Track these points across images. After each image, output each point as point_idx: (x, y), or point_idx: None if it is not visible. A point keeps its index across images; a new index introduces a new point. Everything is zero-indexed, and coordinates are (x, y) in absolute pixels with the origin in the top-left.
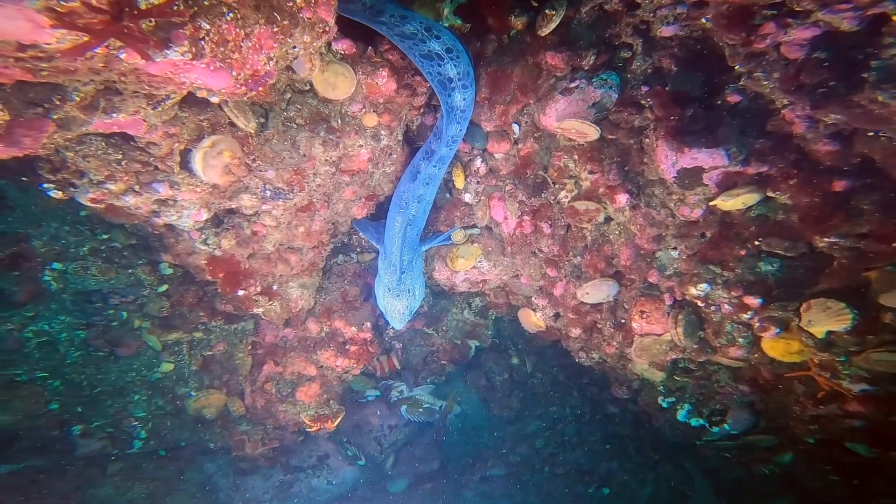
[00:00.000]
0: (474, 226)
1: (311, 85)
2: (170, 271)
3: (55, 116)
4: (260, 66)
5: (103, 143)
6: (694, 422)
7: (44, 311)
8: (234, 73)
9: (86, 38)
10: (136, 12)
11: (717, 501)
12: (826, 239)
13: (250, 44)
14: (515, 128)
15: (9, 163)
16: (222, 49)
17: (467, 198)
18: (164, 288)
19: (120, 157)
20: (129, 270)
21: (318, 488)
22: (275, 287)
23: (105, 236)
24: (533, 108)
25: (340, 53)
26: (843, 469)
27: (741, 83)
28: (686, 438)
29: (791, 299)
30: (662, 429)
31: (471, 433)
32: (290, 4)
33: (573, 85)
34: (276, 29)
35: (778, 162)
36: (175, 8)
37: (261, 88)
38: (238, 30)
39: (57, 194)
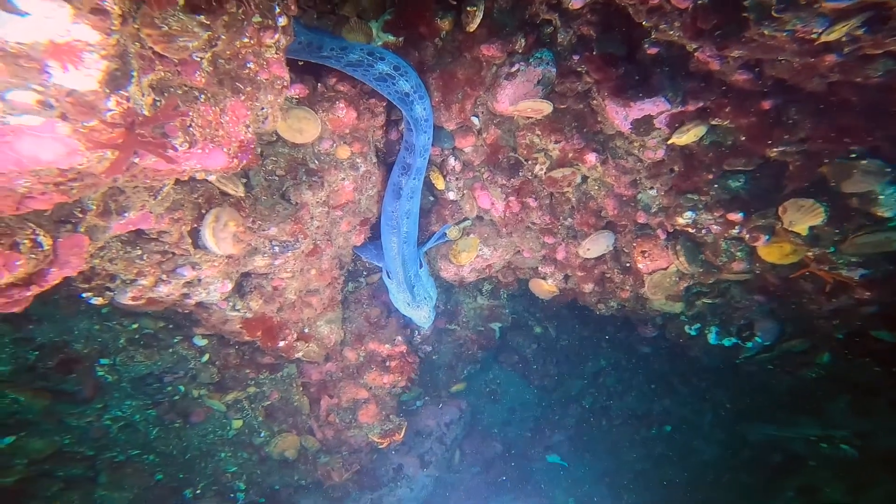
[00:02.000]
0: (466, 219)
1: (278, 134)
2: (204, 342)
3: (82, 229)
4: (243, 136)
5: (120, 244)
6: (726, 342)
7: (111, 401)
8: (225, 150)
9: (117, 154)
10: (143, 119)
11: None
12: (775, 149)
13: (228, 117)
14: (475, 120)
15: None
16: (209, 130)
17: (451, 195)
18: (206, 357)
19: (140, 252)
20: (170, 349)
21: (404, 498)
22: (306, 330)
23: (134, 326)
24: (485, 98)
25: (296, 98)
26: (880, 358)
27: (653, 36)
28: (725, 360)
29: (767, 207)
30: (699, 356)
31: (520, 410)
32: (247, 71)
33: (514, 69)
34: (243, 97)
35: (709, 96)
36: (177, 108)
37: (250, 156)
38: (214, 108)
39: (98, 301)
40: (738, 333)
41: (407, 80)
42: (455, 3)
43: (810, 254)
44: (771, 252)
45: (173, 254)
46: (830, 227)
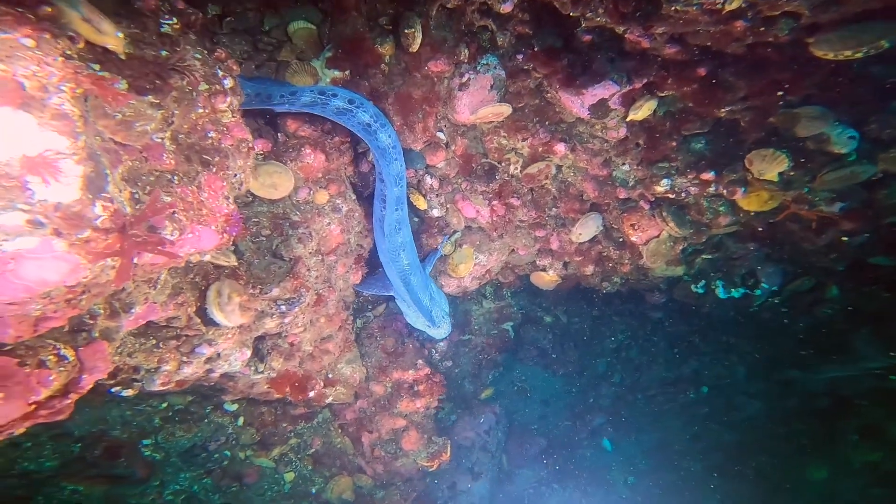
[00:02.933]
0: (455, 231)
1: (253, 194)
2: (235, 406)
3: (97, 334)
4: (226, 209)
5: (133, 338)
6: (735, 293)
7: (166, 477)
8: (213, 227)
9: (119, 261)
10: (132, 220)
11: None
12: (723, 109)
13: (206, 194)
14: (441, 135)
15: None
16: (193, 212)
17: (435, 213)
18: (241, 420)
19: (154, 341)
20: (205, 420)
21: None
22: (330, 375)
23: (164, 405)
24: (445, 112)
25: (261, 154)
26: (885, 283)
27: (584, 25)
28: (739, 311)
29: (734, 162)
30: (713, 312)
31: (553, 401)
32: (210, 141)
33: (465, 79)
34: (214, 169)
35: (650, 72)
36: (160, 203)
37: (238, 228)
38: (191, 187)
39: (129, 392)
40: (744, 283)
41: (365, 111)
42: (390, 27)
43: (787, 197)
44: (751, 202)
45: (187, 336)
46: (798, 171)
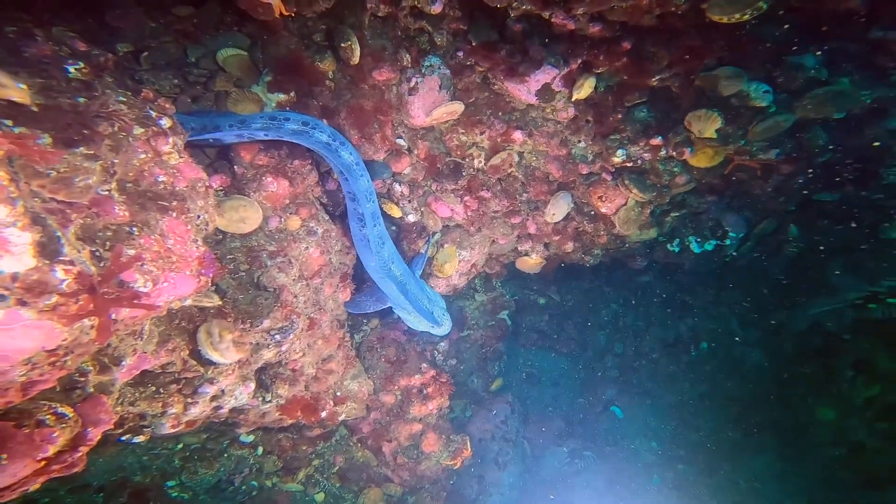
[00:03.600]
0: (434, 233)
1: (222, 231)
2: (251, 437)
3: (91, 390)
4: (196, 252)
5: (131, 388)
6: (708, 246)
7: None
8: (188, 272)
9: (96, 320)
10: (99, 278)
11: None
12: (654, 79)
13: (172, 240)
14: (401, 142)
15: None
16: (162, 261)
17: (411, 218)
18: (260, 450)
19: (154, 388)
20: (225, 454)
21: None
22: (338, 393)
23: (180, 446)
24: (400, 118)
25: (221, 190)
26: (833, 217)
27: (512, 14)
28: (716, 262)
29: (675, 125)
30: (694, 268)
31: (563, 381)
32: (163, 185)
33: (413, 83)
34: (175, 213)
35: (582, 52)
36: (124, 258)
37: (215, 268)
38: (153, 236)
39: (140, 439)
40: (714, 235)
41: (321, 131)
42: (326, 43)
43: (729, 150)
44: (699, 159)
45: (186, 378)
46: (731, 126)
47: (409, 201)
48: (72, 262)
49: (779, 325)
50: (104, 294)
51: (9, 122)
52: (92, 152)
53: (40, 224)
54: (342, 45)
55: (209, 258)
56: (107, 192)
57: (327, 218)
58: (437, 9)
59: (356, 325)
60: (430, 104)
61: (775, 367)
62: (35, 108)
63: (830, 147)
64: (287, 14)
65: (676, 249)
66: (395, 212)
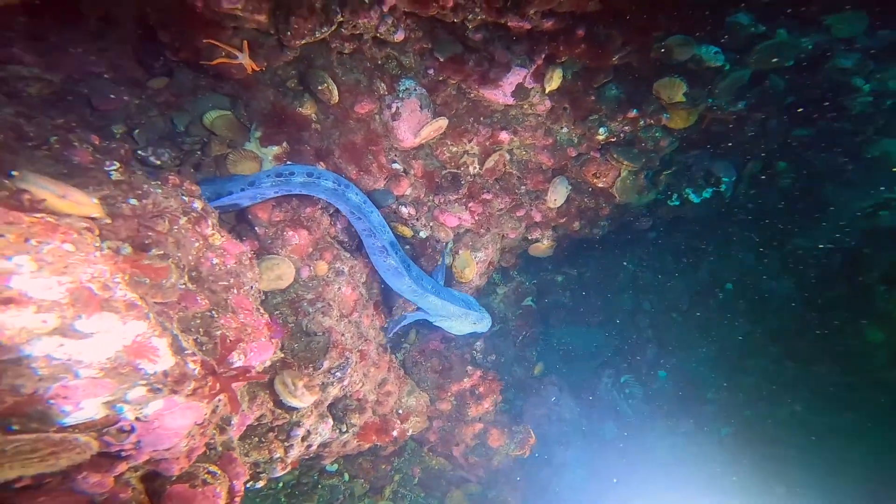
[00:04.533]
0: (447, 243)
1: (263, 291)
2: (335, 466)
3: (220, 449)
4: (261, 318)
5: (241, 442)
6: (706, 194)
7: None
8: (264, 339)
9: (226, 395)
10: (214, 362)
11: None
12: (613, 58)
13: (242, 314)
14: (397, 166)
15: None
16: (243, 333)
17: (423, 234)
18: (346, 476)
19: (257, 439)
20: (318, 486)
21: (573, 480)
22: (401, 412)
23: (280, 484)
24: (391, 144)
25: (253, 253)
26: (811, 148)
27: (470, 26)
28: (717, 209)
29: (647, 96)
30: (697, 217)
31: (600, 351)
32: (219, 268)
33: (394, 109)
34: (235, 290)
35: (543, 47)
36: (229, 341)
37: (283, 331)
38: (229, 314)
39: (261, 483)
40: (708, 183)
41: (325, 178)
42: (301, 87)
43: (701, 109)
44: (676, 121)
45: (279, 426)
46: (696, 89)
47: (418, 219)
48: (194, 353)
49: (795, 252)
50: (223, 373)
51: (127, 249)
52: (162, 252)
53: (165, 329)
54: (319, 87)
55: (274, 323)
56: (184, 287)
57: (348, 255)
58: (399, 37)
59: (396, 345)
60: (415, 125)
61: (806, 295)
62: (109, 220)
63: (791, 91)
64: (258, 69)
65: (677, 203)
66: (407, 232)
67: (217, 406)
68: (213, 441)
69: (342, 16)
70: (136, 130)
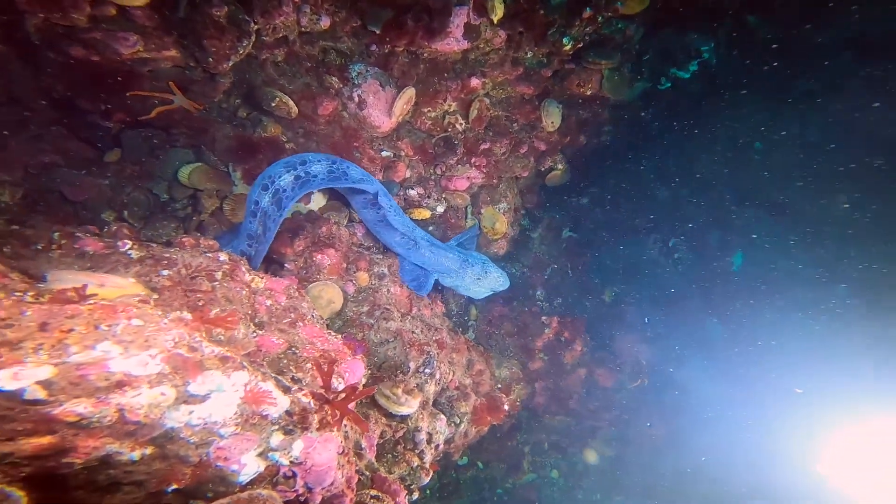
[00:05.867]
0: (467, 208)
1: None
2: (465, 459)
3: (368, 474)
4: (337, 339)
5: (377, 462)
6: (692, 67)
7: None
8: (349, 358)
9: (348, 417)
10: (323, 389)
11: None
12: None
13: (318, 342)
14: (386, 154)
15: None
16: (327, 359)
17: (440, 209)
18: (480, 465)
19: (391, 455)
20: (460, 482)
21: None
22: (499, 386)
23: (427, 492)
24: (369, 133)
25: (296, 286)
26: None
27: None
28: (712, 79)
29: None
30: (694, 91)
31: (663, 258)
32: (274, 308)
33: (357, 98)
34: (300, 323)
35: None
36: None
37: (363, 346)
38: (306, 346)
39: (415, 496)
40: (690, 57)
41: (319, 164)
42: (254, 112)
43: None
44: (632, 6)
45: (402, 437)
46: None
47: (429, 196)
48: (301, 388)
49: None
50: (335, 398)
51: (187, 314)
52: (219, 308)
53: (262, 372)
54: (272, 104)
55: (350, 340)
56: (255, 334)
57: (380, 257)
58: (325, 23)
59: (461, 324)
60: (385, 106)
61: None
62: (156, 295)
63: None
64: (200, 107)
65: (669, 85)
66: (424, 213)
67: (346, 431)
68: (358, 467)
69: (255, 22)
70: (126, 212)
